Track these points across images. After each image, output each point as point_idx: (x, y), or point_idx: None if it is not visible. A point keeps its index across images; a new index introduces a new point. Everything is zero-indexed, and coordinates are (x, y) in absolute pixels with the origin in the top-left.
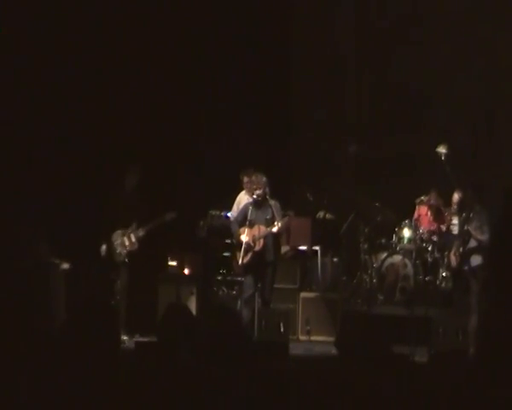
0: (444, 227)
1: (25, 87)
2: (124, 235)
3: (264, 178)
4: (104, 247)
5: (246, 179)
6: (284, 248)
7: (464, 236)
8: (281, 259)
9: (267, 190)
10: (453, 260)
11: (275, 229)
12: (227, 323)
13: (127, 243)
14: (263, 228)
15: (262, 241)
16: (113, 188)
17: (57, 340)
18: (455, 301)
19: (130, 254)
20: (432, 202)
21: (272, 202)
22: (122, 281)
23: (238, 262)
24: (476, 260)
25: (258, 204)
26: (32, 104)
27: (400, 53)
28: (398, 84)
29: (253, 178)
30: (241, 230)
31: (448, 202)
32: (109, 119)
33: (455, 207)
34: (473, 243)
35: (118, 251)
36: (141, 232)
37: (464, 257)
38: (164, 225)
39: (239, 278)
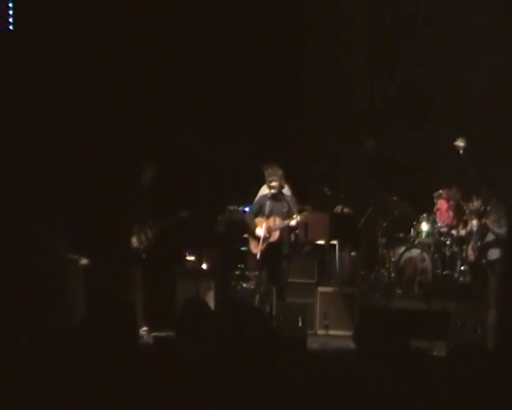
0: (462, 222)
1: (43, 80)
2: (140, 230)
3: (280, 171)
4: (135, 241)
5: (266, 173)
6: (302, 243)
7: (482, 229)
8: (298, 253)
9: (283, 182)
10: (471, 253)
11: (293, 222)
12: (253, 323)
13: (144, 239)
14: (279, 220)
15: (278, 233)
16: (130, 184)
17: (75, 335)
18: (473, 295)
19: (146, 249)
20: (451, 196)
21: (288, 196)
22: (139, 276)
23: (253, 254)
24: (494, 253)
25: (274, 197)
26: (49, 100)
27: (417, 48)
28: (414, 78)
29: (269, 170)
30: (258, 221)
31: (467, 197)
32: (127, 115)
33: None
34: (490, 237)
35: (134, 246)
36: (157, 228)
37: (482, 251)
38: (179, 221)
39: (256, 273)
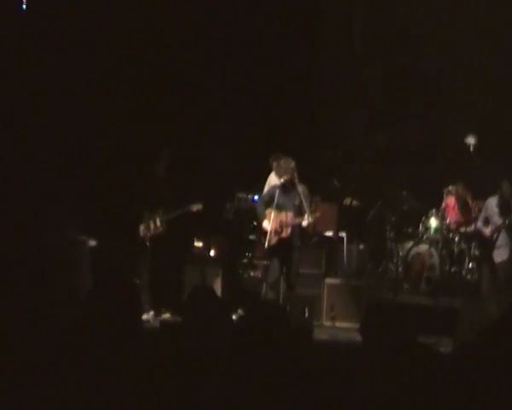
0: (470, 219)
1: (56, 73)
2: (150, 218)
3: (293, 163)
4: (142, 226)
5: (275, 164)
6: (311, 235)
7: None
8: (306, 244)
9: (295, 175)
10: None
11: (304, 223)
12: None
13: (152, 227)
14: (291, 216)
15: (289, 228)
16: (143, 171)
17: (79, 315)
18: (480, 292)
19: (153, 237)
20: (459, 193)
21: (300, 188)
22: (145, 261)
23: (263, 245)
24: (501, 255)
25: (286, 188)
26: (62, 84)
27: (429, 41)
28: (426, 71)
29: (282, 162)
30: (268, 212)
31: (475, 194)
32: (140, 103)
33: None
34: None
35: (142, 233)
36: (166, 217)
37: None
38: (189, 213)
39: (264, 262)
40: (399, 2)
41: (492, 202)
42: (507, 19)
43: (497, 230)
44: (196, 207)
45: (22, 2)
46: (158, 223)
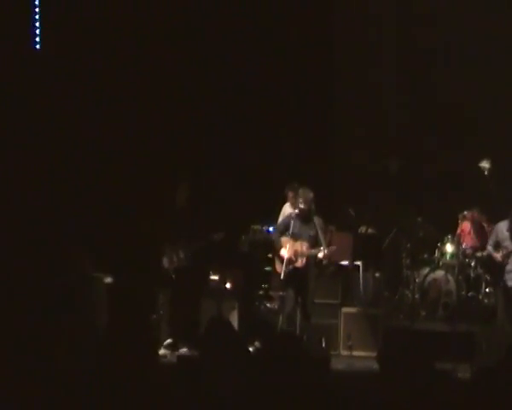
0: (486, 244)
1: (71, 99)
2: (172, 251)
3: (311, 194)
4: (165, 259)
5: (291, 194)
6: (327, 264)
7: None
8: (322, 274)
9: (312, 206)
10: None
11: (320, 254)
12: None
13: (175, 260)
14: (306, 246)
15: (304, 258)
16: (164, 204)
17: (97, 351)
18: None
19: (176, 270)
20: (475, 218)
21: (316, 220)
22: (166, 295)
23: (278, 274)
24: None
25: (302, 218)
26: (77, 120)
27: (442, 70)
28: (441, 100)
29: (300, 192)
30: (284, 241)
31: (490, 219)
32: (158, 137)
33: None
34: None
35: (165, 267)
36: (191, 249)
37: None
38: (212, 243)
39: (280, 293)
40: (424, 31)
41: (503, 227)
42: None
43: (509, 254)
44: (219, 237)
45: (36, 42)
46: (181, 255)
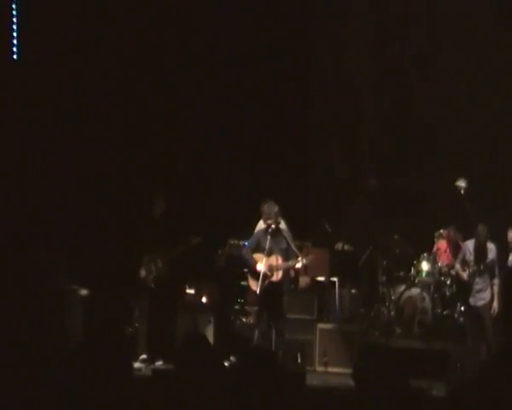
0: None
1: (48, 108)
2: (150, 261)
3: (276, 208)
4: (143, 272)
5: (262, 209)
6: (303, 281)
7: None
8: (298, 290)
9: (279, 219)
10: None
11: (298, 265)
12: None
13: (154, 269)
14: (280, 259)
15: (281, 273)
16: (141, 215)
17: (69, 364)
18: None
19: (156, 280)
20: (451, 236)
21: (285, 231)
22: (143, 308)
23: (253, 290)
24: (483, 298)
25: (272, 233)
26: (54, 130)
27: (417, 88)
28: (416, 119)
29: (265, 207)
30: (258, 258)
31: (466, 237)
32: (134, 146)
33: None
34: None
35: (143, 277)
36: (167, 258)
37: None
38: (189, 250)
39: (256, 308)
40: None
41: (470, 246)
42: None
43: (474, 274)
44: (196, 241)
45: (13, 52)
46: (160, 264)
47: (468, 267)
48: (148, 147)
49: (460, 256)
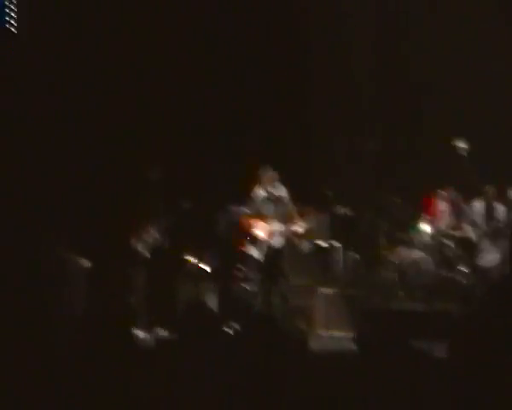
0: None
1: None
2: (143, 230)
3: (275, 173)
4: (135, 239)
5: (260, 175)
6: (304, 245)
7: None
8: (299, 255)
9: (278, 184)
10: None
11: (300, 229)
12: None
13: (148, 239)
14: (278, 223)
15: (280, 237)
16: (137, 184)
17: (74, 336)
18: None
19: (152, 249)
20: (451, 196)
21: (285, 197)
22: (141, 277)
23: (253, 256)
24: (491, 260)
25: (272, 198)
26: (54, 100)
27: (423, 45)
28: (418, 76)
29: (264, 173)
30: (255, 223)
31: (466, 197)
32: (132, 115)
33: None
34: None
35: (140, 247)
36: (162, 226)
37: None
38: (183, 216)
39: (257, 274)
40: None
41: (477, 206)
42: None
43: (483, 235)
44: (187, 206)
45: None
46: (155, 234)
47: (477, 228)
48: (146, 117)
49: (468, 217)
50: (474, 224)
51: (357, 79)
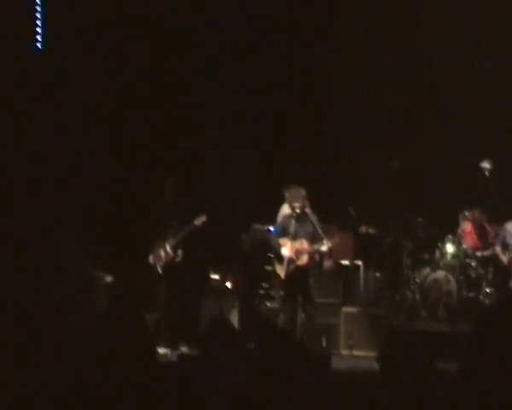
0: (487, 243)
1: (73, 99)
2: (159, 247)
3: (303, 191)
4: (151, 257)
5: (286, 194)
6: (328, 264)
7: None
8: (323, 273)
9: (306, 203)
10: None
11: (324, 248)
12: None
13: (163, 255)
14: (306, 243)
15: (306, 257)
16: (152, 201)
17: (95, 351)
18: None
19: (166, 265)
20: (476, 217)
21: (311, 216)
22: (160, 294)
23: (280, 275)
24: None
25: (298, 217)
26: (76, 119)
27: (448, 64)
28: (443, 96)
29: (292, 191)
30: (283, 242)
31: (491, 219)
32: (148, 132)
33: None
34: None
35: (154, 264)
36: (175, 240)
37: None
38: (198, 231)
39: (281, 292)
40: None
41: (510, 228)
42: None
43: None
44: (201, 221)
45: (39, 43)
46: (168, 249)
47: (508, 251)
48: (162, 131)
49: (500, 238)
50: (505, 245)
51: (384, 99)
